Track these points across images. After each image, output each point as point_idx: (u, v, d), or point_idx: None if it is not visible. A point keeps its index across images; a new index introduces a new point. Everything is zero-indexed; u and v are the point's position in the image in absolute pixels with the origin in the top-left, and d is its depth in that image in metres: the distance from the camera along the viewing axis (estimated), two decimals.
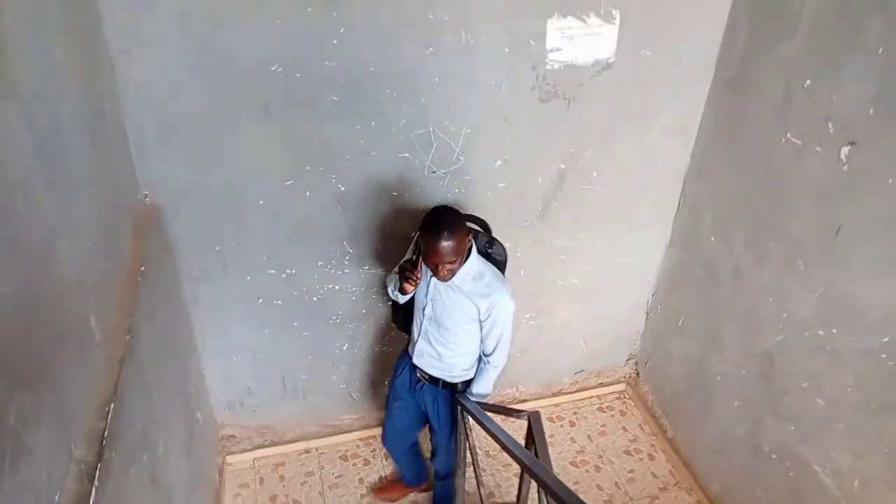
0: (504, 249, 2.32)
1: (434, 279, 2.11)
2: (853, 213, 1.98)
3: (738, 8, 2.35)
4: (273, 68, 2.05)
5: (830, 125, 2.02)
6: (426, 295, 2.19)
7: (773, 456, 2.42)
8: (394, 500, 2.85)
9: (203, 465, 2.61)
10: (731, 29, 2.40)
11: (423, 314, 2.23)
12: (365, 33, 2.08)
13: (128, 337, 1.69)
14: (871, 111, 1.87)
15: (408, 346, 2.43)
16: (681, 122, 2.65)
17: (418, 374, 2.38)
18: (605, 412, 3.36)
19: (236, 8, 1.93)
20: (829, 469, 2.17)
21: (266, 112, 2.14)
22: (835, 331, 2.09)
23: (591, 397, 3.44)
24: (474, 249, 2.10)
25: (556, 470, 2.95)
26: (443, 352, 2.26)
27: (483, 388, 2.32)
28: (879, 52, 1.83)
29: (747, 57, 2.35)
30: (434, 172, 2.47)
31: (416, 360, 2.34)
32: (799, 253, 2.20)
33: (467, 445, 2.29)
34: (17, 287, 1.12)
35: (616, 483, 2.99)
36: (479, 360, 2.32)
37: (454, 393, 2.36)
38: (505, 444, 1.90)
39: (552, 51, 2.32)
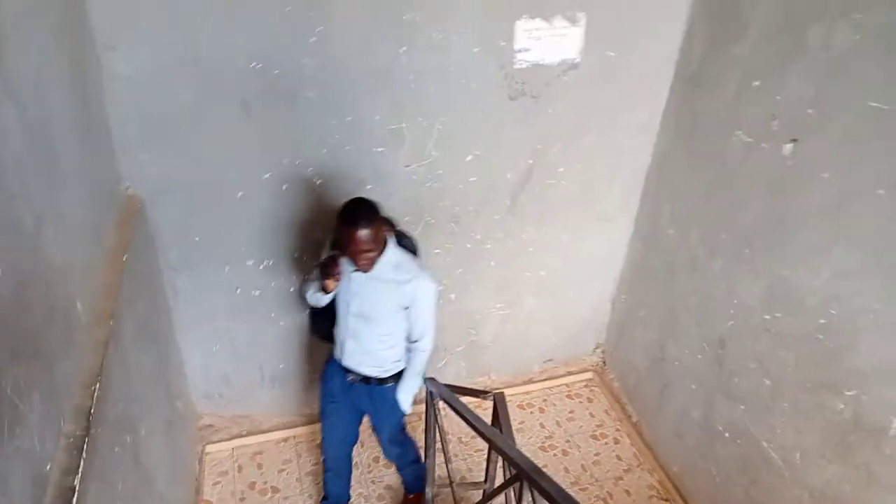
0: (413, 240, 2.35)
1: (355, 277, 2.13)
2: (794, 205, 2.14)
3: (697, 11, 2.50)
4: (252, 65, 2.14)
5: (776, 123, 2.17)
6: (350, 292, 2.19)
7: (726, 434, 2.58)
8: None
9: (183, 452, 2.68)
10: (690, 32, 2.55)
11: (350, 311, 2.22)
12: (341, 32, 2.18)
13: (111, 322, 1.76)
14: (810, 111, 2.03)
15: (333, 351, 2.41)
16: (644, 120, 2.80)
17: (349, 378, 2.36)
18: (573, 399, 3.50)
19: (218, 6, 2.02)
20: (774, 444, 2.33)
21: (245, 108, 2.23)
22: (778, 315, 2.25)
23: (560, 385, 3.57)
24: (391, 240, 2.14)
25: (525, 453, 3.08)
26: (372, 347, 2.27)
27: (414, 376, 2.36)
28: (818, 57, 1.98)
29: (704, 58, 2.51)
30: (408, 166, 2.58)
31: (346, 362, 2.32)
32: (746, 244, 2.36)
33: (437, 428, 2.40)
34: (12, 268, 1.20)
35: (582, 466, 3.13)
36: (408, 350, 2.34)
37: (396, 382, 2.38)
38: (470, 421, 2.02)
39: (520, 51, 2.45)
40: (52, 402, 1.35)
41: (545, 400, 3.49)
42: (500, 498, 2.27)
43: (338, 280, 2.11)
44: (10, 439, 1.12)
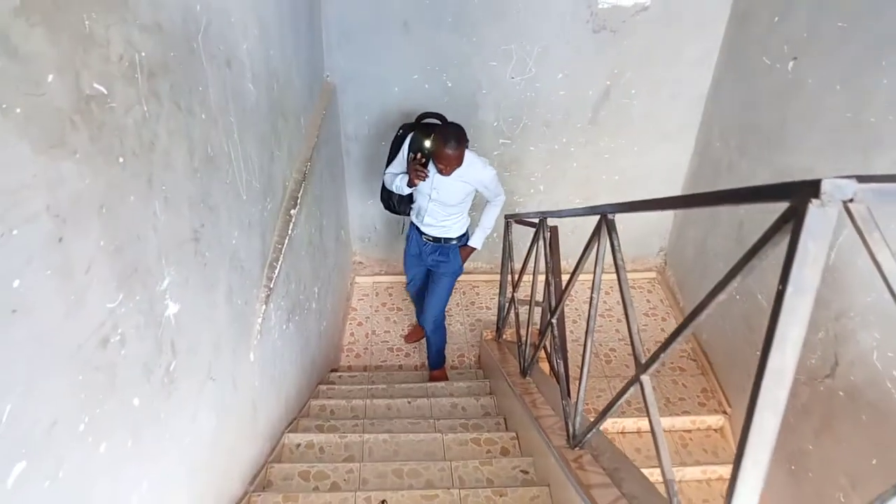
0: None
1: (436, 174, 2.83)
2: (793, 107, 2.85)
3: None
4: None
5: (785, 47, 2.89)
6: (431, 185, 2.91)
7: (737, 297, 3.31)
8: (419, 339, 3.94)
9: (343, 266, 3.93)
10: None
11: (430, 198, 2.97)
12: None
13: (315, 139, 2.97)
14: (805, 35, 2.74)
15: (410, 223, 3.25)
16: (701, 54, 3.55)
17: (424, 238, 3.17)
18: (634, 289, 4.31)
19: None
20: (764, 294, 3.05)
21: (405, 27, 3.36)
22: None
23: None
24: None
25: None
26: (446, 221, 3.08)
27: (487, 222, 3.13)
28: None
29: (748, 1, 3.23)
30: (513, 79, 3.58)
31: (425, 230, 3.13)
32: (764, 143, 3.08)
33: (510, 245, 3.32)
34: (283, 71, 2.40)
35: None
36: (487, 205, 3.09)
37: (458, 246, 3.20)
38: (527, 221, 2.96)
39: None
40: (290, 157, 2.55)
41: (612, 286, 4.33)
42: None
43: (424, 180, 2.82)
44: (278, 155, 2.32)
